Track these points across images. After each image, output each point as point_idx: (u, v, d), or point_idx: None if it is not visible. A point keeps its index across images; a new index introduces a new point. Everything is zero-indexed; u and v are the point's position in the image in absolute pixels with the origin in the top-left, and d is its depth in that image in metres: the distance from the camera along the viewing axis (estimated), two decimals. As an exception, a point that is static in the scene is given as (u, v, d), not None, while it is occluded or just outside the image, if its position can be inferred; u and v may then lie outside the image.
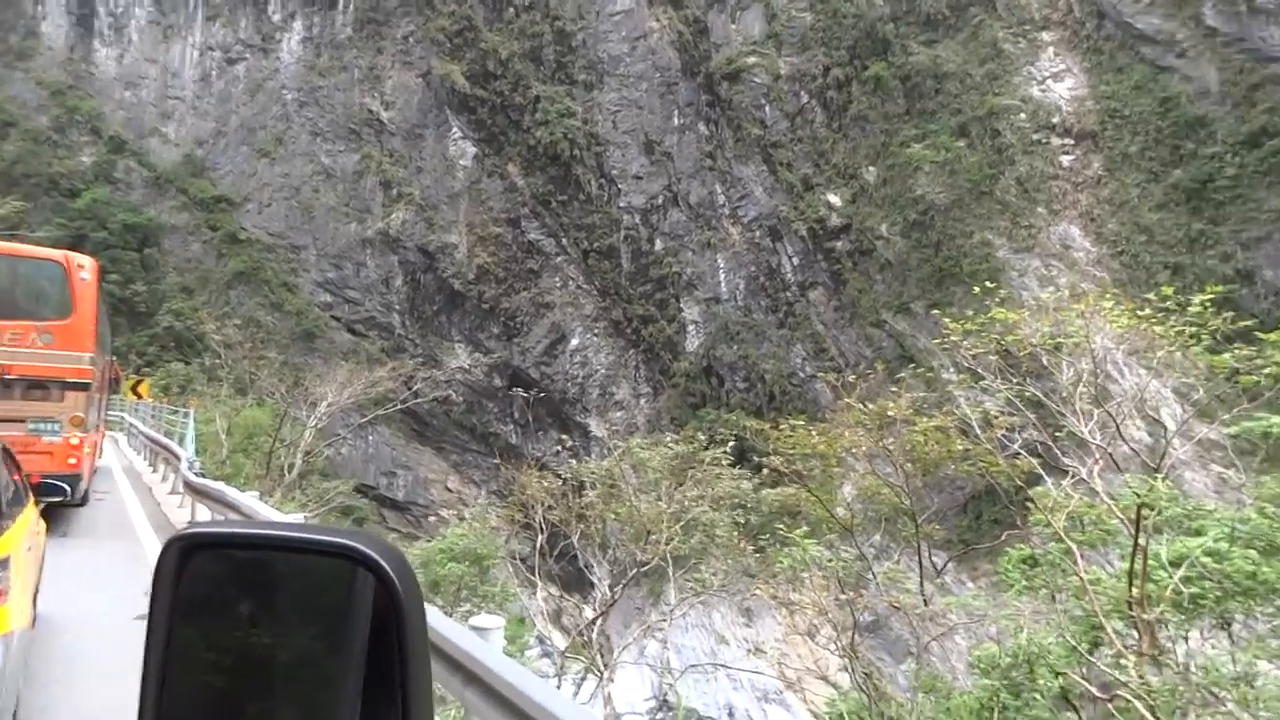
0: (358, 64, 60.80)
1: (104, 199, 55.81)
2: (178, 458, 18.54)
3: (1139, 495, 8.08)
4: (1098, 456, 9.57)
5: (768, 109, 53.85)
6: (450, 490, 54.43)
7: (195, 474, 15.64)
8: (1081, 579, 8.40)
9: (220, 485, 13.14)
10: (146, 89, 62.43)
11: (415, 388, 36.33)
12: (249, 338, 46.86)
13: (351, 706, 1.18)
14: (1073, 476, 9.63)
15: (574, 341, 55.37)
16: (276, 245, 58.79)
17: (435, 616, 5.14)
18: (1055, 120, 45.62)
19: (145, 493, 19.89)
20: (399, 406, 39.81)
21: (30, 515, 6.66)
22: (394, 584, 1.16)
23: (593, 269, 56.12)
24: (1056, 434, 10.09)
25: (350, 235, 58.29)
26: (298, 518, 9.63)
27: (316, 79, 61.01)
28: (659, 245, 54.96)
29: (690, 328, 53.29)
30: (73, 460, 13.52)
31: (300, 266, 58.60)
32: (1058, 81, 46.92)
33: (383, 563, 1.16)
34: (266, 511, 10.28)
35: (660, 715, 17.36)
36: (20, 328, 13.13)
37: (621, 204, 55.80)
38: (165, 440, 22.98)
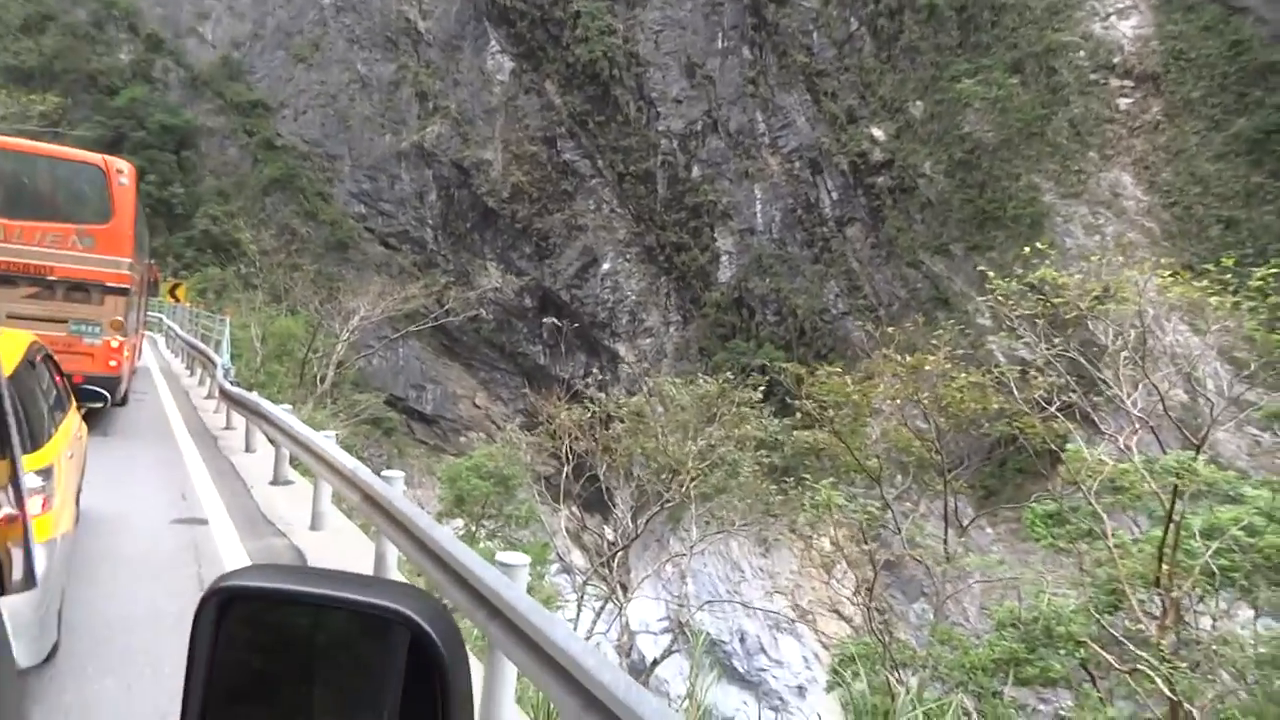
0: (396, -32, 59.31)
1: (142, 98, 55.60)
2: (214, 363, 18.87)
3: (1176, 474, 7.95)
4: (1136, 426, 9.40)
5: (815, 35, 51.98)
6: (478, 406, 55.13)
7: (230, 382, 15.92)
8: (1110, 549, 8.34)
9: (254, 396, 13.38)
10: (183, -14, 61.47)
11: (447, 306, 36.47)
12: (284, 246, 47.22)
13: None
14: (1109, 439, 9.49)
15: (606, 266, 55.06)
16: (312, 153, 58.48)
17: (464, 553, 5.22)
18: (1116, 60, 43.56)
19: (183, 396, 20.33)
20: (431, 324, 40.09)
21: (73, 420, 6.80)
22: (438, 648, 1.15)
23: (627, 193, 55.38)
24: (1095, 397, 9.88)
25: (385, 147, 57.80)
26: (330, 435, 9.75)
27: (355, -17, 59.69)
28: (696, 172, 53.98)
29: (723, 258, 52.70)
30: (113, 363, 13.76)
31: (335, 176, 58.37)
32: (1122, 19, 44.65)
33: (426, 626, 1.15)
34: (297, 425, 10.41)
35: (675, 645, 17.82)
36: (60, 230, 13.23)
37: (660, 128, 54.64)
38: (202, 346, 23.38)
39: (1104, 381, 9.95)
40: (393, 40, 58.75)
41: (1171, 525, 7.90)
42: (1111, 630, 7.90)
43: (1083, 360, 10.37)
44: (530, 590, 6.28)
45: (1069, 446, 11.39)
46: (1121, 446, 9.51)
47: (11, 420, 1.20)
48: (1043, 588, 9.51)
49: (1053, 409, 10.85)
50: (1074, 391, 10.35)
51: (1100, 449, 10.14)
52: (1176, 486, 7.97)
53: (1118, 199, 40.63)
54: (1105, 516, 9.00)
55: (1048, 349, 10.38)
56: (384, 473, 7.59)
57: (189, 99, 58.61)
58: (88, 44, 56.81)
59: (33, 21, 55.26)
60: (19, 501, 1.29)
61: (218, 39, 61.04)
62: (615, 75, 54.48)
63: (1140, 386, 9.78)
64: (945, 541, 13.42)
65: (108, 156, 14.50)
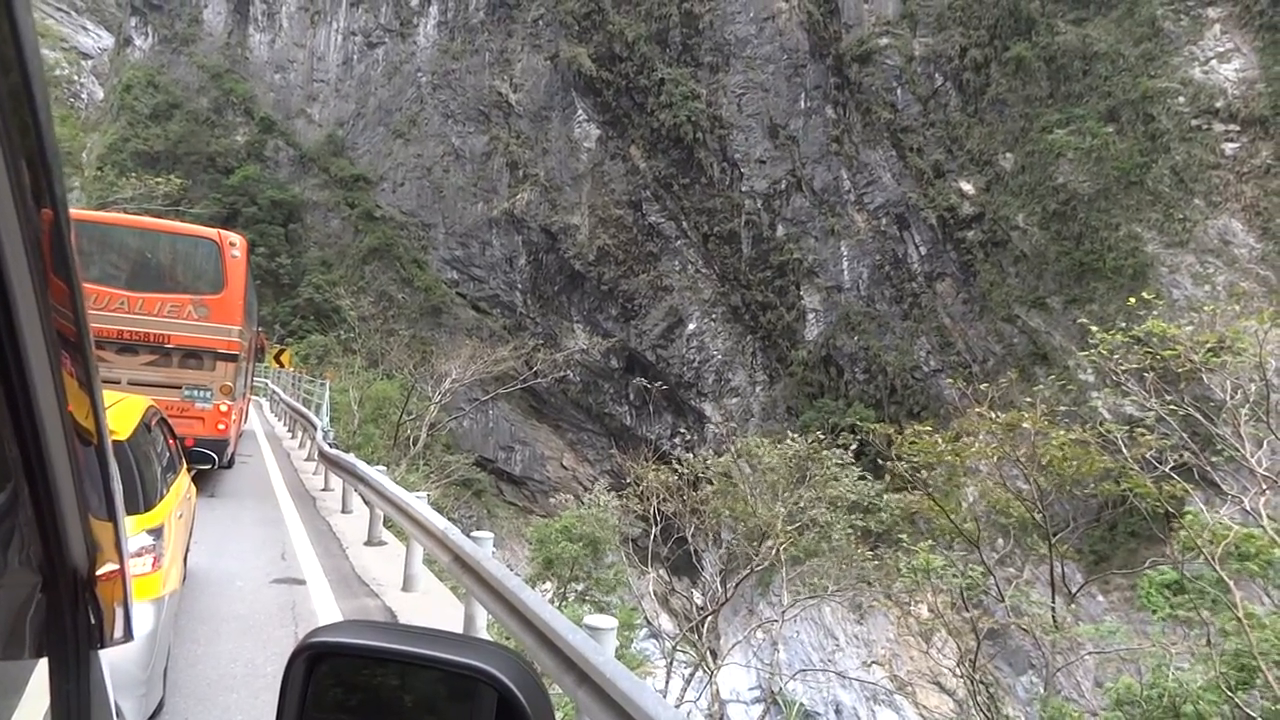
0: (489, 47, 62.19)
1: (255, 176, 59.45)
2: (314, 426, 19.55)
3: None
4: (1264, 486, 8.73)
5: (899, 92, 51.88)
6: (565, 467, 55.51)
7: (329, 444, 16.42)
8: (1239, 618, 7.70)
9: (351, 458, 13.74)
10: (295, 72, 65.82)
11: (536, 368, 37.08)
12: (381, 312, 49.02)
13: None
14: (1232, 500, 8.83)
15: (691, 326, 55.26)
16: (408, 223, 61.11)
17: (552, 615, 5.19)
18: (1219, 105, 42.01)
19: (285, 458, 21.08)
20: (520, 386, 40.78)
21: (183, 482, 7.10)
22: (525, 710, 1.11)
23: (712, 253, 55.76)
24: (1214, 455, 9.25)
25: (477, 215, 59.96)
26: (422, 496, 9.92)
27: (450, 62, 62.81)
28: (780, 231, 54.04)
29: (810, 316, 52.25)
30: (221, 426, 14.37)
31: (430, 244, 60.74)
32: (1224, 63, 43.16)
33: (512, 686, 1.13)
34: (391, 487, 10.61)
35: (768, 715, 17.19)
36: (178, 300, 14.04)
37: (743, 188, 55.11)
38: (303, 409, 24.30)
39: (1222, 438, 9.31)
40: (485, 113, 61.35)
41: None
42: (1248, 710, 7.23)
43: (1198, 416, 9.75)
44: (619, 655, 6.17)
45: (1188, 510, 10.64)
46: (1248, 508, 8.84)
47: (118, 485, 1.23)
48: (1164, 660, 8.82)
49: (1165, 468, 10.17)
50: (1189, 450, 9.70)
51: (1223, 511, 9.45)
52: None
53: (1228, 247, 38.76)
54: (1232, 585, 8.33)
55: (1158, 405, 9.79)
56: (473, 534, 7.64)
57: (296, 175, 62.29)
58: (208, 128, 61.28)
59: (161, 110, 60.03)
60: (120, 559, 1.32)
61: (324, 119, 64.92)
62: (699, 138, 55.42)
63: (1265, 443, 9.10)
64: (1053, 609, 12.66)
65: (222, 230, 15.41)
